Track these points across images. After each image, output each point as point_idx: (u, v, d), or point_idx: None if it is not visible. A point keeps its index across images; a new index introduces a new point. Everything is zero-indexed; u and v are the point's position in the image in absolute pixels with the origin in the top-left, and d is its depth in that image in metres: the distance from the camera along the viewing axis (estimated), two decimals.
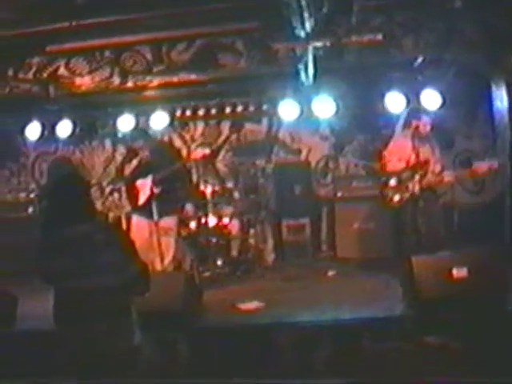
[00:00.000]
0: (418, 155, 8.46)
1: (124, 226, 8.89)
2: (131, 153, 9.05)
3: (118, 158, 11.59)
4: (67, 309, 3.91)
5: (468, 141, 10.48)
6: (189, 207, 9.61)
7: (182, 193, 9.24)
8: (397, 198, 8.38)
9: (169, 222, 8.66)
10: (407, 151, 8.52)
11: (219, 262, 9.36)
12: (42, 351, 5.74)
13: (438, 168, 8.48)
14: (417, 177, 8.35)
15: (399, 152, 8.57)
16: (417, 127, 8.55)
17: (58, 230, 3.92)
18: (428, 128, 8.57)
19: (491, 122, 8.92)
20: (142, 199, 8.63)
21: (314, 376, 5.81)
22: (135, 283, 4.01)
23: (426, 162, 8.43)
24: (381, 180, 8.73)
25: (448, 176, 8.49)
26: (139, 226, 8.68)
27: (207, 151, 9.94)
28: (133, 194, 8.80)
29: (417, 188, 8.33)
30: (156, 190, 8.50)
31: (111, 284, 3.88)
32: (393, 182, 8.42)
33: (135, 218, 8.87)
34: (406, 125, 8.91)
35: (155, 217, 8.42)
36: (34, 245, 4.23)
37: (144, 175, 8.65)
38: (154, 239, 8.45)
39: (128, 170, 8.99)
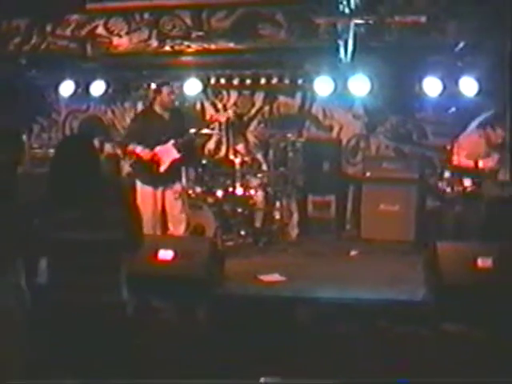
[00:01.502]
0: (484, 158, 8.39)
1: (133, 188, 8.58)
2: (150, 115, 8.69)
3: None
4: (59, 260, 3.94)
5: None
6: (190, 172, 9.56)
7: (192, 159, 9.16)
8: (448, 190, 8.34)
9: (176, 188, 8.51)
10: (476, 151, 8.44)
11: (242, 232, 9.38)
12: None
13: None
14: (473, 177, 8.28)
15: (468, 149, 8.48)
16: (489, 134, 8.48)
17: (64, 183, 3.98)
18: (500, 139, 8.49)
19: None
20: (163, 166, 8.35)
21: (331, 351, 5.82)
22: (131, 240, 4.02)
23: (491, 169, 8.39)
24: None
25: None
26: (147, 193, 8.31)
27: (229, 114, 9.90)
28: (152, 160, 8.50)
29: (468, 184, 8.25)
30: (176, 157, 8.34)
31: (106, 238, 3.91)
32: (447, 174, 8.39)
33: (143, 186, 8.39)
34: (481, 126, 8.73)
35: (164, 184, 8.32)
36: None
37: (165, 141, 8.34)
38: (163, 206, 8.37)
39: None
